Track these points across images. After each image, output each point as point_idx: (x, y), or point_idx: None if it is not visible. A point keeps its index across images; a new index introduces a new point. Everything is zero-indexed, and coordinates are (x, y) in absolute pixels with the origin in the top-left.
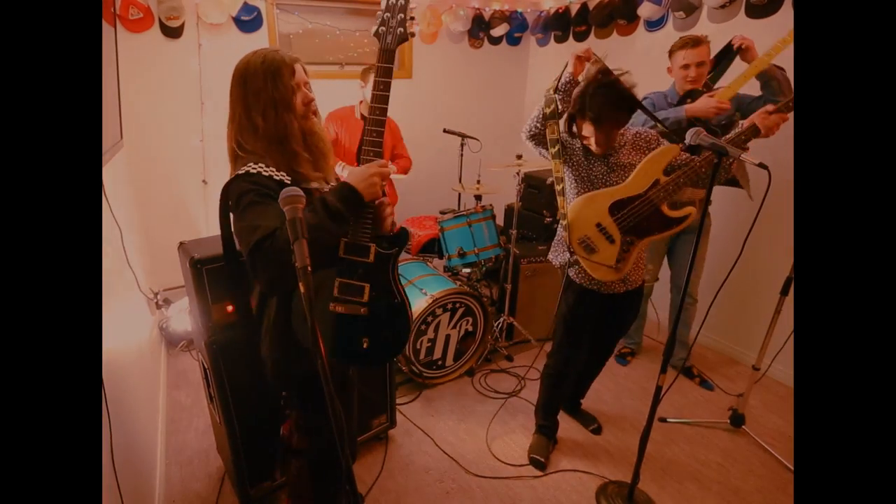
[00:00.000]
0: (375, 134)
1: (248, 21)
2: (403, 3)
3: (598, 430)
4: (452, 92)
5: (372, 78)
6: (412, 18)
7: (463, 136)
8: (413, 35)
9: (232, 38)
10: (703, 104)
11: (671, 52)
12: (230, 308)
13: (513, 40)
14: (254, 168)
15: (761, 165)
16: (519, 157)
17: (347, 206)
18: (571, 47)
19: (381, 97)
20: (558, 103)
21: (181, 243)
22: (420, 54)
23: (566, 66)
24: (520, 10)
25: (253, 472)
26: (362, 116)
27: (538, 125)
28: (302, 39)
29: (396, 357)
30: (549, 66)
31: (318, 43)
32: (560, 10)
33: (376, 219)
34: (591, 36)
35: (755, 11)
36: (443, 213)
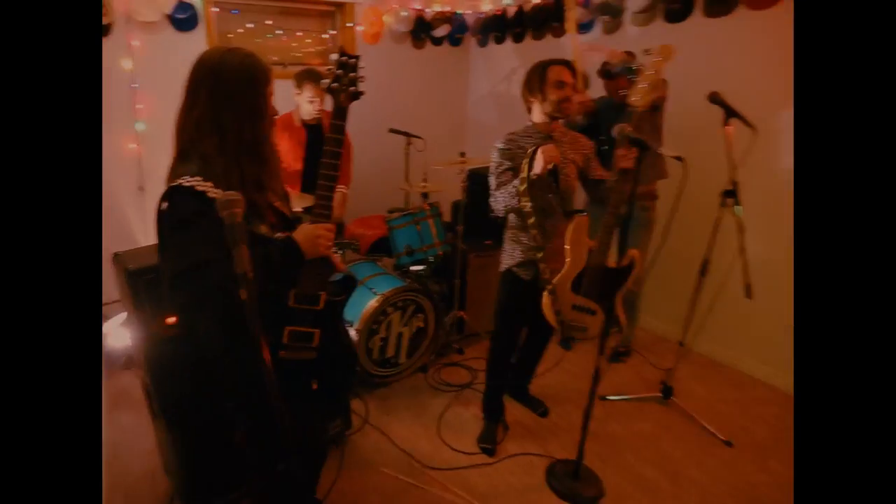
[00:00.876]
0: (327, 188)
1: (183, 19)
2: (355, 61)
3: (545, 413)
4: (397, 92)
5: (308, 88)
6: (362, 78)
7: (408, 135)
8: (363, 93)
9: (167, 36)
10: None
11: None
12: (171, 320)
13: (454, 41)
14: (200, 186)
15: (677, 158)
16: (462, 154)
17: (288, 263)
18: (510, 48)
19: (334, 153)
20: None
21: (115, 254)
22: (364, 55)
23: (533, 157)
24: (460, 11)
25: (204, 489)
26: (303, 123)
27: (514, 203)
28: (242, 39)
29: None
30: (489, 66)
31: (260, 43)
32: (498, 13)
33: (325, 268)
34: (528, 38)
35: (672, 16)
36: (391, 212)
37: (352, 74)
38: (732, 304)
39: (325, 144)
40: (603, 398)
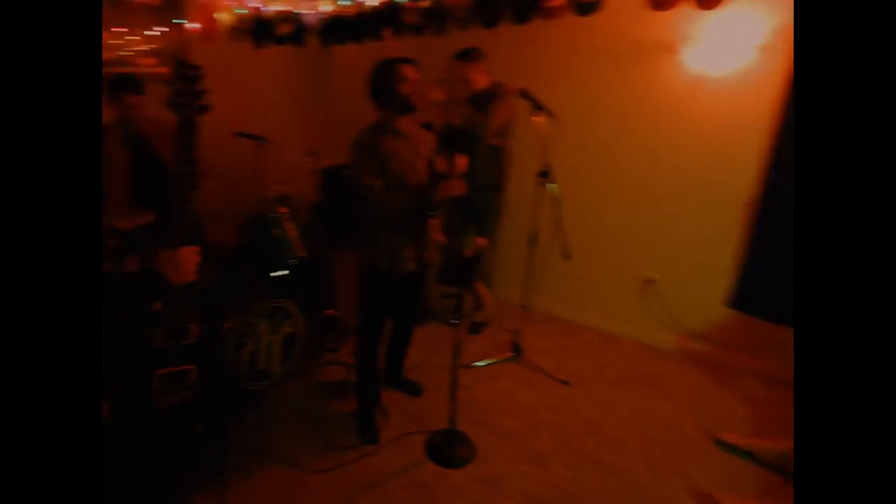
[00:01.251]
0: (183, 220)
1: None
2: (196, 72)
3: (419, 392)
4: (242, 93)
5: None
6: (206, 91)
7: (254, 138)
8: (210, 107)
9: None
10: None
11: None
12: None
13: (296, 40)
14: None
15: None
16: (313, 154)
17: (151, 296)
18: (354, 48)
19: (187, 172)
20: None
21: None
22: (204, 55)
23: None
24: (300, 11)
25: None
26: (123, 141)
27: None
28: None
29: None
30: (335, 65)
31: None
32: (337, 14)
33: (190, 294)
34: (368, 39)
35: (487, 22)
36: (248, 220)
37: (196, 87)
38: (557, 265)
39: (177, 165)
40: (468, 366)
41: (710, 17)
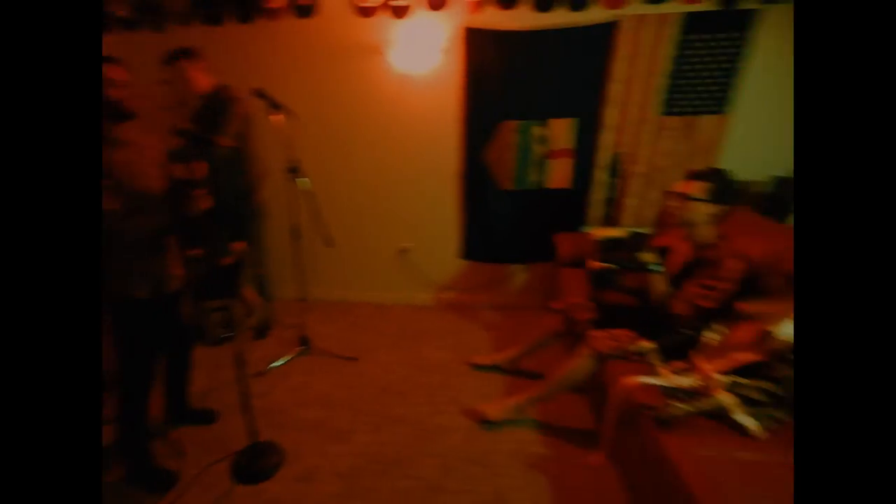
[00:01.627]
0: None
1: None
2: None
3: (216, 417)
4: None
5: None
6: None
7: None
8: None
9: None
10: None
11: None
12: None
13: None
14: None
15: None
16: None
17: None
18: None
19: None
20: None
21: None
22: None
23: None
24: None
25: None
26: None
27: None
28: None
29: None
30: None
31: None
32: None
33: None
34: None
35: (210, 20)
36: None
37: None
38: (324, 253)
39: None
40: (263, 373)
41: (404, 23)
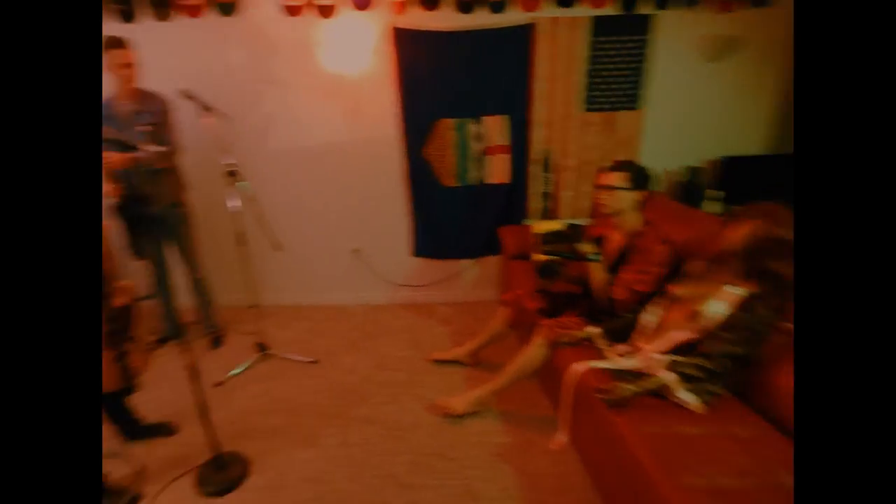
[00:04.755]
0: None
1: None
2: None
3: (171, 431)
4: None
5: None
6: None
7: None
8: None
9: None
10: None
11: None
12: None
13: None
14: None
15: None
16: None
17: None
18: None
19: None
20: None
21: None
22: None
23: None
24: None
25: None
26: None
27: None
28: None
29: None
30: None
31: None
32: None
33: None
34: None
35: (125, 16)
36: None
37: None
38: (274, 258)
39: None
40: (219, 384)
41: (332, 23)
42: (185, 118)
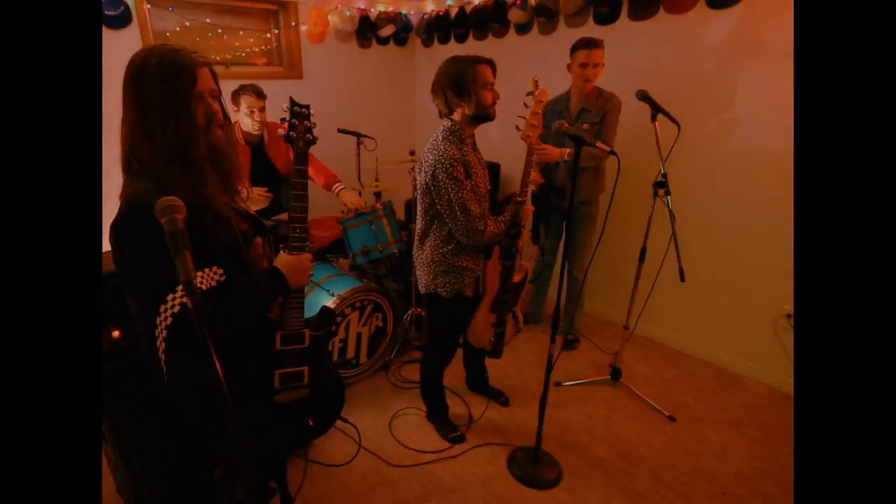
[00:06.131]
0: (300, 221)
1: (113, 16)
2: (307, 111)
3: (506, 403)
4: (345, 92)
5: (244, 100)
6: (314, 125)
7: (358, 135)
8: (317, 139)
9: None
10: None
11: (572, 51)
12: (116, 334)
13: (400, 40)
14: (139, 202)
15: (612, 153)
16: (412, 153)
17: (274, 293)
18: (454, 48)
19: (299, 196)
20: None
21: None
22: (310, 55)
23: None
24: (404, 11)
25: None
26: (245, 140)
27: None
28: (180, 37)
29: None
30: (435, 65)
31: (199, 42)
32: (440, 13)
33: (301, 300)
34: (470, 38)
35: (601, 19)
36: (344, 212)
37: (306, 123)
38: (668, 287)
39: (292, 188)
40: (558, 384)
41: None
42: (632, 121)
